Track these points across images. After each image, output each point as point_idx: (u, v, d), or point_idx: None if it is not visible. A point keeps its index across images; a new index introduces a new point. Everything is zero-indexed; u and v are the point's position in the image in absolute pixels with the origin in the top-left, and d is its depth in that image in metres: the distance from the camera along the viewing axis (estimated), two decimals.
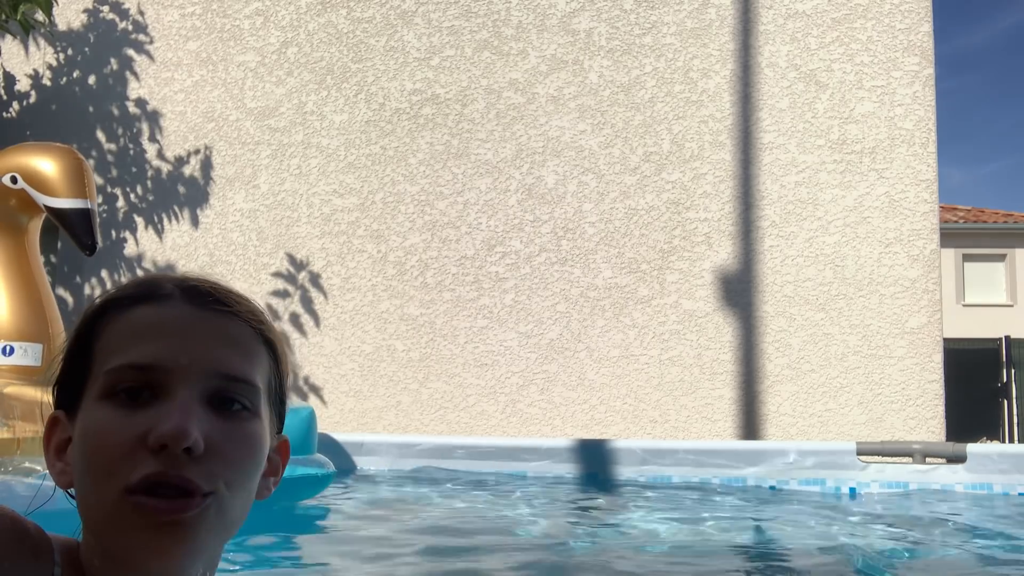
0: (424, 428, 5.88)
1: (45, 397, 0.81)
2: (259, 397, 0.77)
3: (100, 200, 6.67)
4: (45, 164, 3.27)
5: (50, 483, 0.79)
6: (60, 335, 3.36)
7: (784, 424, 5.57)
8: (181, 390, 0.72)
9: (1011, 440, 14.46)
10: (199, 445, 0.70)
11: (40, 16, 6.25)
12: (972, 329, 19.63)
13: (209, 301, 0.77)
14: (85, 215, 3.23)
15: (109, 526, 0.71)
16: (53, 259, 6.90)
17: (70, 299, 6.62)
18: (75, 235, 3.25)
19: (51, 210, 3.27)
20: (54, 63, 6.86)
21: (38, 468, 2.69)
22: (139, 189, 6.60)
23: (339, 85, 6.30)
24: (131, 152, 6.64)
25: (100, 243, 3.38)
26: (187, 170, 6.51)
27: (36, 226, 3.50)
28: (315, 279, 6.18)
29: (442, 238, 6.04)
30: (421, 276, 6.03)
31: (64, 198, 3.23)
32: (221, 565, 0.83)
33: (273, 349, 0.80)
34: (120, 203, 6.62)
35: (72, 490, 0.76)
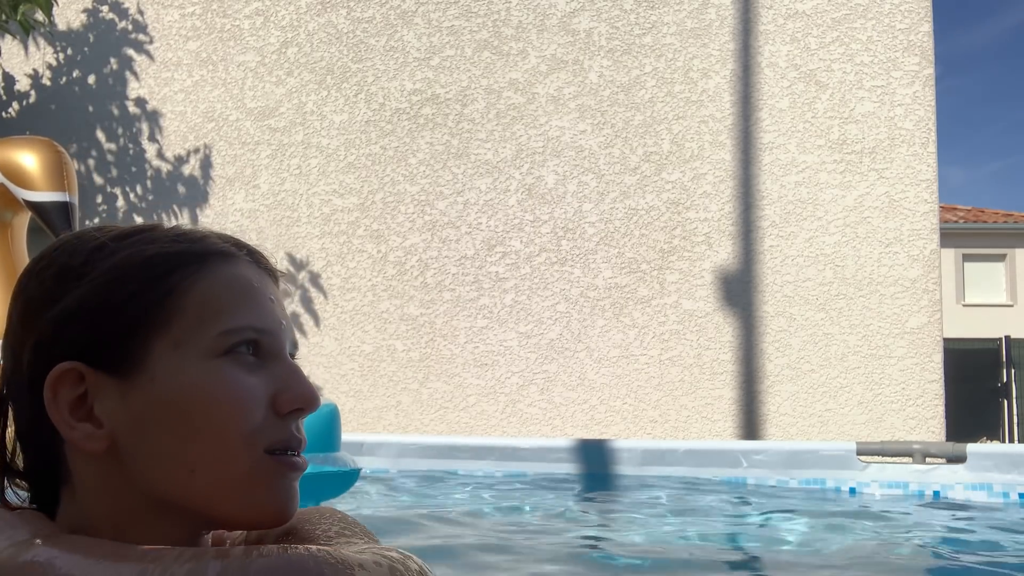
0: (424, 428, 5.88)
1: None
2: None
3: (100, 200, 6.67)
4: (24, 158, 3.17)
5: None
6: None
7: (784, 424, 5.57)
8: (284, 353, 0.74)
9: (1011, 440, 14.46)
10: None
11: (40, 16, 6.25)
12: (972, 329, 19.63)
13: (266, 265, 0.79)
14: (63, 208, 3.13)
15: (232, 487, 0.69)
16: None
17: None
18: (52, 229, 3.16)
19: (29, 204, 3.17)
20: (54, 63, 6.86)
21: None
22: (139, 189, 6.60)
23: (339, 85, 6.30)
24: (131, 152, 6.64)
25: None
26: (187, 170, 6.51)
27: (22, 222, 3.39)
28: (315, 279, 6.18)
29: (442, 238, 6.04)
30: (421, 276, 6.03)
31: (42, 191, 3.13)
32: None
33: None
34: (120, 203, 6.62)
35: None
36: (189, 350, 0.69)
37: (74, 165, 3.35)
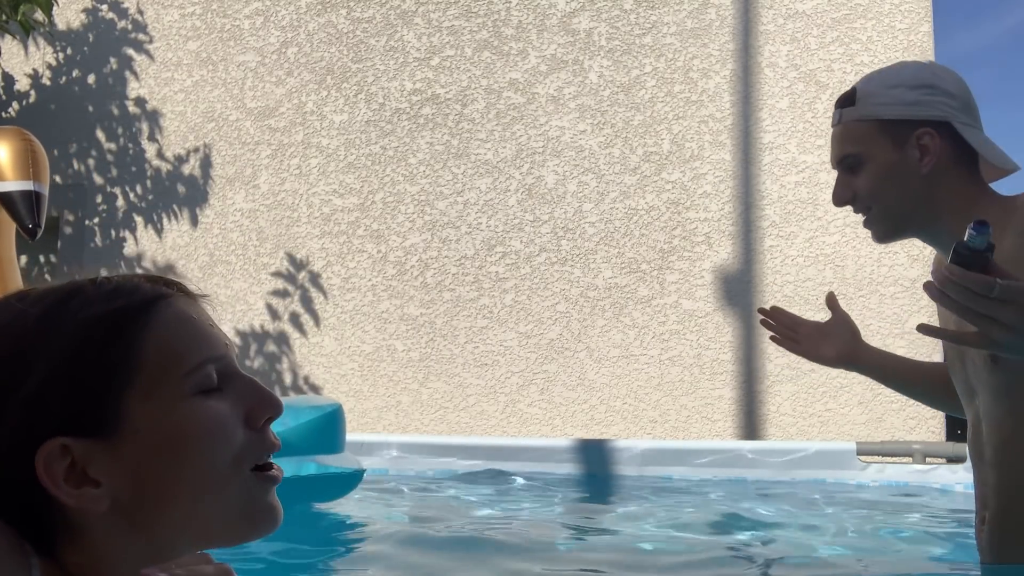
0: (424, 428, 5.88)
1: None
2: None
3: (100, 200, 6.67)
4: None
5: None
6: None
7: (784, 424, 5.57)
8: (239, 371, 0.79)
9: None
10: None
11: (40, 16, 6.25)
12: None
13: (191, 293, 0.83)
14: (29, 197, 3.00)
15: (229, 505, 0.76)
16: (53, 259, 6.90)
17: None
18: (17, 218, 3.03)
19: None
20: (53, 63, 6.86)
21: None
22: (139, 189, 6.60)
23: (339, 85, 6.30)
24: (131, 152, 6.64)
25: (42, 227, 3.06)
26: (187, 170, 6.51)
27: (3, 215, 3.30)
28: (315, 279, 6.18)
29: (442, 238, 6.04)
30: (421, 276, 6.03)
31: (9, 180, 3.02)
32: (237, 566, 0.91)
33: None
34: (120, 203, 6.62)
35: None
36: (161, 398, 0.74)
37: (45, 154, 3.20)
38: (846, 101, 1.62)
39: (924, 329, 1.24)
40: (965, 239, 1.13)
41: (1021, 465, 1.52)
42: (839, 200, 1.62)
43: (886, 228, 1.61)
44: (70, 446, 0.71)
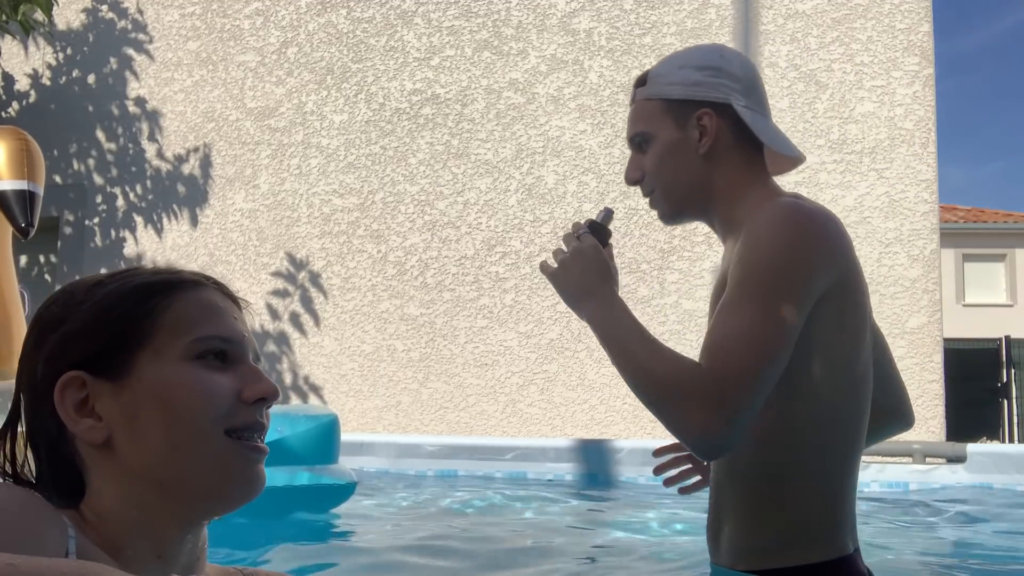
0: (424, 428, 5.88)
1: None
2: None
3: (100, 199, 6.67)
4: None
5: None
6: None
7: None
8: (248, 359, 0.90)
9: (1011, 440, 14.46)
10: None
11: (40, 16, 6.25)
12: (972, 329, 19.63)
13: (230, 294, 0.95)
14: (22, 196, 3.01)
15: (206, 463, 0.85)
16: (53, 258, 6.90)
17: None
18: (11, 216, 3.03)
19: None
20: (53, 63, 6.86)
21: None
22: (139, 188, 6.60)
23: (339, 85, 6.30)
24: (131, 152, 6.64)
25: (35, 226, 2.99)
26: (187, 169, 6.51)
27: None
28: (315, 279, 6.18)
29: (442, 238, 6.04)
30: (421, 276, 6.03)
31: (3, 179, 3.03)
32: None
33: None
34: (120, 202, 6.62)
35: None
36: (167, 356, 0.86)
37: (41, 154, 3.19)
38: (640, 81, 1.64)
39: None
40: (596, 218, 1.55)
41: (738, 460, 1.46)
42: (628, 179, 1.62)
43: (668, 208, 1.59)
44: (85, 380, 0.85)
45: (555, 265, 1.52)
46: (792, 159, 1.60)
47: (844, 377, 1.43)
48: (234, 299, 0.94)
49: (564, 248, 1.52)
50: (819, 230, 1.40)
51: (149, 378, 0.85)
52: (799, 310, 1.34)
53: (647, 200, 1.62)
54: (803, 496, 1.43)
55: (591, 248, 1.49)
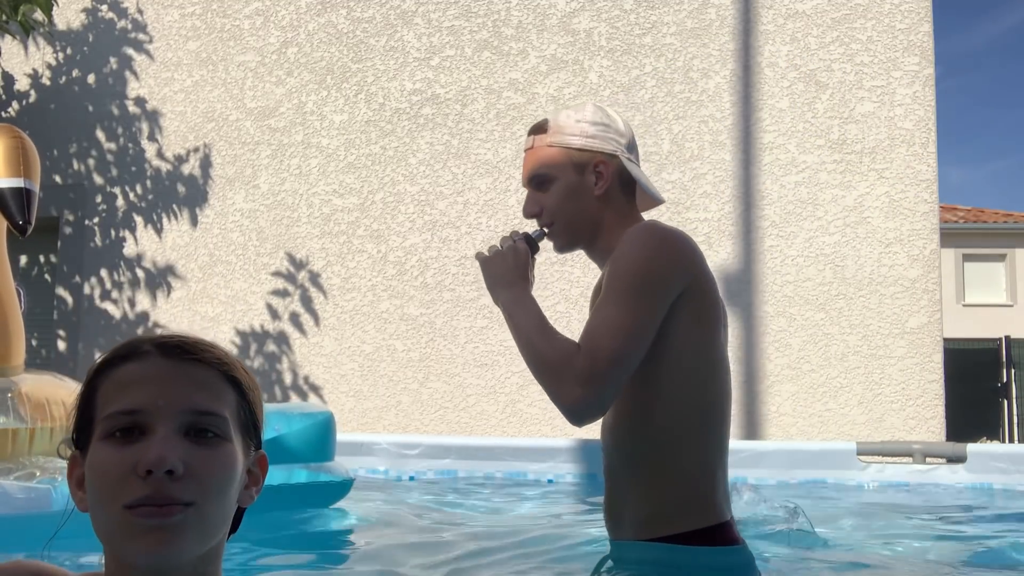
0: (424, 428, 5.88)
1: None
2: (227, 425, 0.94)
3: (99, 199, 6.67)
4: None
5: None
6: (20, 354, 3.08)
7: (784, 424, 5.57)
8: (160, 427, 0.91)
9: (1011, 440, 14.46)
10: (178, 467, 0.89)
11: (40, 16, 6.25)
12: (972, 329, 19.64)
13: (179, 353, 0.96)
14: (19, 194, 2.98)
15: (115, 535, 0.90)
16: (53, 259, 6.90)
17: (70, 299, 6.62)
18: (8, 214, 3.00)
19: None
20: (53, 63, 6.86)
21: (36, 473, 2.65)
22: (139, 188, 6.60)
23: (339, 85, 6.30)
24: (131, 152, 6.64)
25: (32, 224, 2.95)
26: (187, 170, 6.51)
27: None
28: (315, 279, 6.18)
29: (442, 238, 6.04)
30: (421, 276, 6.03)
31: None
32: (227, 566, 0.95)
33: (239, 385, 0.98)
34: (120, 202, 6.62)
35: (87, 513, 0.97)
36: (95, 436, 0.93)
37: (36, 151, 3.17)
38: (539, 129, 1.95)
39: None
40: (531, 232, 1.92)
41: (623, 447, 1.76)
42: (527, 213, 1.91)
43: (565, 240, 1.92)
44: (77, 459, 0.96)
45: (488, 255, 1.90)
46: (656, 200, 1.94)
47: (704, 362, 1.71)
48: (188, 357, 0.96)
49: (499, 246, 1.90)
50: (673, 244, 1.75)
51: (88, 458, 0.94)
52: (657, 306, 1.67)
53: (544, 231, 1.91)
54: (685, 469, 1.69)
55: (523, 251, 1.89)
